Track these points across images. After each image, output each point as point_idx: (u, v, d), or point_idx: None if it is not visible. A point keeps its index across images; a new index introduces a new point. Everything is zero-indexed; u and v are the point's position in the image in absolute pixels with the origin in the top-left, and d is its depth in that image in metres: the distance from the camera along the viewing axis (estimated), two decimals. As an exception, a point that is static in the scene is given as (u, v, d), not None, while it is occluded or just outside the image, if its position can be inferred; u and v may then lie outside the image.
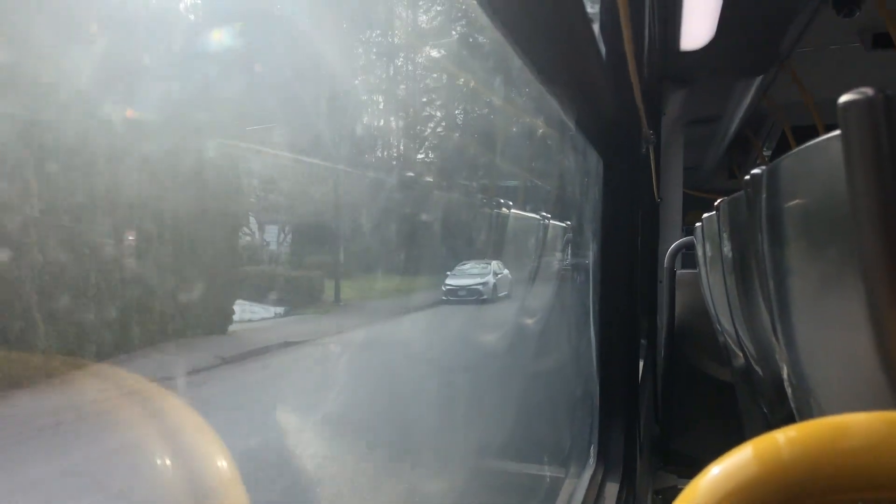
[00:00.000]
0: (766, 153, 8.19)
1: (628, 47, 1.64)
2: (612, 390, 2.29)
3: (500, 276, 4.70)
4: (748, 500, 0.46)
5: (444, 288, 4.55)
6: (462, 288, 4.64)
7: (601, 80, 1.59)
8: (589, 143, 2.23)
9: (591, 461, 2.32)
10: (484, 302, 4.61)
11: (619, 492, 2.19)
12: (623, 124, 2.14)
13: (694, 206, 8.71)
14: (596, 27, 1.83)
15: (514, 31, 1.15)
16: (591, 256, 2.43)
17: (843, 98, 0.58)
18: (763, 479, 0.47)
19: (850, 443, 0.47)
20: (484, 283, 4.63)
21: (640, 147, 2.39)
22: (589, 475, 2.24)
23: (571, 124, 1.97)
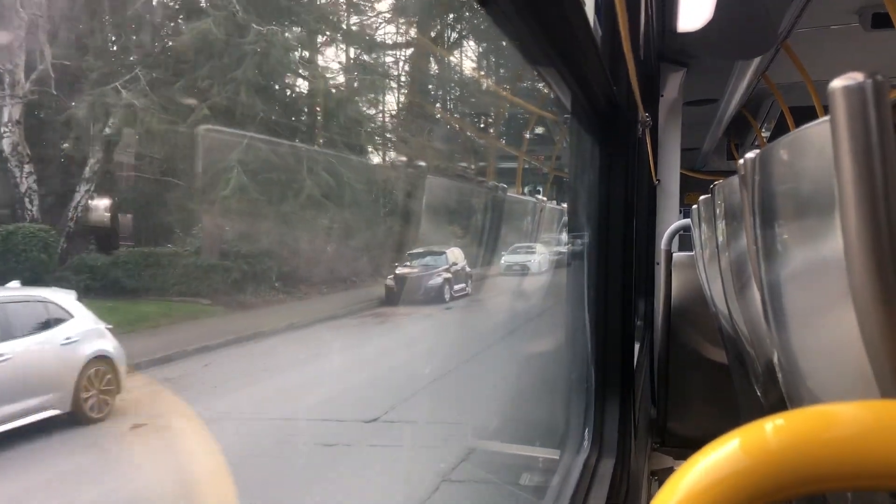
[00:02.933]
0: (765, 134, 8.17)
1: (624, 29, 1.63)
2: (607, 372, 2.30)
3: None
4: (735, 489, 0.46)
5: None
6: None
7: (596, 64, 1.58)
8: (584, 126, 2.22)
9: (586, 443, 2.33)
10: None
11: (614, 473, 2.20)
12: (619, 107, 2.12)
13: (693, 188, 8.71)
14: (592, 10, 1.81)
15: (504, 14, 1.14)
16: (587, 238, 2.43)
17: (833, 83, 0.57)
18: (750, 468, 0.47)
19: (836, 432, 0.47)
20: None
21: (637, 130, 2.38)
22: (583, 457, 2.25)
23: (566, 106, 1.96)
